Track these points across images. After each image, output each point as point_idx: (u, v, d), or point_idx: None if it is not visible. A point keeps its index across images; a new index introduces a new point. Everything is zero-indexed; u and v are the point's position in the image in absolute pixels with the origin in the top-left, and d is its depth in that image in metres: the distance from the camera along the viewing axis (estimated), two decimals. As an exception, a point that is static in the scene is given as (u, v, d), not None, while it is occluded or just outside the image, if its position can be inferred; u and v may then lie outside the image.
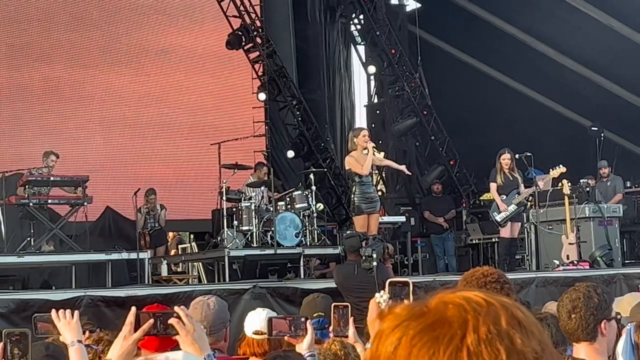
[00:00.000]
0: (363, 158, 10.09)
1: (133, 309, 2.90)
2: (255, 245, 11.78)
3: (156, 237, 13.80)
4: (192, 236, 16.67)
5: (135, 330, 2.85)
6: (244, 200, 12.25)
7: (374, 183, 11.28)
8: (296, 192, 12.32)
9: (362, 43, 19.43)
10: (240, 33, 16.95)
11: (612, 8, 16.49)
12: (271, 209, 12.00)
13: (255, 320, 4.42)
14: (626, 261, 13.08)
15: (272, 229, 11.64)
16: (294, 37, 18.42)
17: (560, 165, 11.92)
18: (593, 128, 15.21)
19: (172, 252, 15.72)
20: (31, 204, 11.02)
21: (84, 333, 3.76)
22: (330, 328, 3.83)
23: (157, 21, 16.77)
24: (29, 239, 11.16)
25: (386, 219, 14.12)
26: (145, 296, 8.02)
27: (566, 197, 11.86)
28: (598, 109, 16.67)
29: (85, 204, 11.25)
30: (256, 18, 17.18)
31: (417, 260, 15.18)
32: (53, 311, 3.28)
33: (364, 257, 8.15)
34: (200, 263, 13.74)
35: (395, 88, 17.93)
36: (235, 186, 12.78)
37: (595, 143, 14.51)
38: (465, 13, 18.46)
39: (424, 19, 18.62)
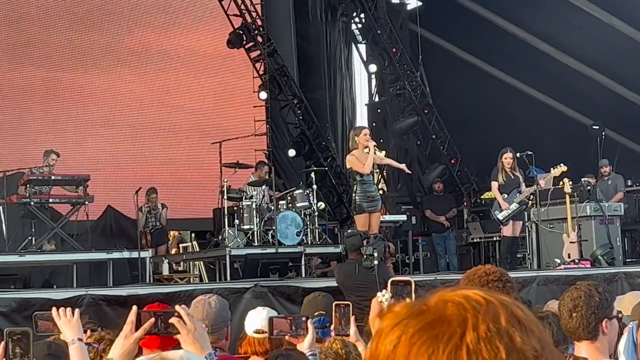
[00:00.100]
0: (364, 157, 10.09)
1: (134, 308, 2.90)
2: (256, 244, 11.78)
3: (157, 236, 13.80)
4: (193, 235, 16.67)
5: (137, 329, 2.85)
6: (245, 199, 12.25)
7: (375, 182, 11.28)
8: (297, 191, 12.32)
9: (363, 42, 19.43)
10: (241, 32, 16.95)
11: (614, 7, 16.47)
12: (272, 207, 12.00)
13: (256, 319, 4.42)
14: (627, 260, 13.08)
15: (273, 227, 11.64)
16: (295, 36, 18.42)
17: (561, 164, 11.92)
18: (594, 127, 15.20)
19: (173, 251, 15.73)
20: (32, 203, 11.02)
21: (85, 332, 3.76)
22: (332, 327, 3.83)
23: (157, 20, 16.77)
24: (30, 238, 11.17)
25: (387, 217, 14.13)
26: (147, 295, 8.03)
27: (567, 196, 11.86)
28: (599, 107, 16.66)
29: (87, 203, 11.25)
30: (257, 17, 17.18)
31: (418, 259, 15.19)
32: (54, 309, 3.28)
33: (365, 256, 8.15)
34: (201, 262, 13.75)
35: (396, 87, 17.93)
36: (237, 185, 12.78)
37: (597, 141, 14.50)
38: (466, 11, 18.45)
39: (425, 17, 18.60)
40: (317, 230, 12.35)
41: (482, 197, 16.45)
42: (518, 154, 11.85)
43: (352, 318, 3.71)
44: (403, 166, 11.23)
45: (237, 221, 12.04)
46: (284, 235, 11.66)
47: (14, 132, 15.09)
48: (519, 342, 1.11)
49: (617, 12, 16.52)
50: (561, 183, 11.98)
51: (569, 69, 17.58)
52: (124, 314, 3.01)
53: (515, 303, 1.16)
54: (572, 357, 3.47)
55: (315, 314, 5.44)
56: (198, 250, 14.76)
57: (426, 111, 17.63)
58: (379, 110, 19.74)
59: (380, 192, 13.94)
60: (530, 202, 12.10)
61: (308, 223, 12.08)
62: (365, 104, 20.57)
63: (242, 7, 16.93)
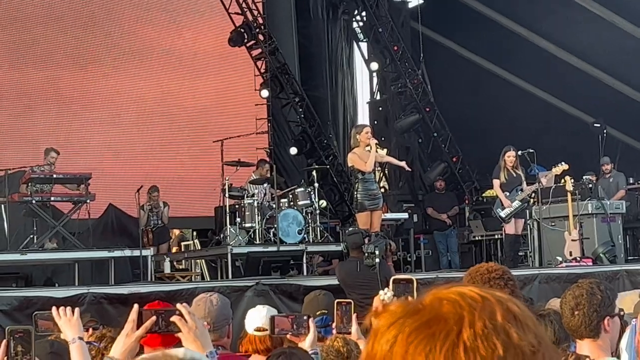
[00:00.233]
0: (366, 155, 10.09)
1: (136, 306, 2.90)
2: (257, 242, 11.78)
3: (159, 234, 13.80)
4: (194, 233, 16.67)
5: (138, 327, 2.85)
6: (247, 197, 12.25)
7: (377, 180, 11.28)
8: (299, 189, 12.32)
9: (364, 40, 19.42)
10: (242, 30, 16.94)
11: (615, 5, 16.46)
12: (274, 206, 12.00)
13: (256, 318, 4.43)
14: (629, 257, 13.07)
15: (275, 226, 11.64)
16: (296, 34, 18.41)
17: (563, 163, 11.92)
18: (596, 124, 15.20)
19: (175, 250, 15.74)
20: (34, 202, 11.03)
21: (87, 330, 3.77)
22: (333, 325, 3.83)
23: (159, 19, 16.78)
24: (32, 236, 11.18)
25: (389, 215, 14.14)
26: (148, 293, 8.04)
27: (569, 194, 11.86)
28: (601, 105, 16.64)
29: (88, 201, 11.26)
30: (258, 15, 17.18)
31: (420, 257, 15.18)
32: (54, 309, 3.28)
33: (366, 254, 8.15)
34: (203, 260, 13.76)
35: (397, 85, 17.92)
36: (238, 183, 12.78)
37: (598, 139, 14.49)
38: (467, 10, 18.43)
39: (426, 15, 18.59)
40: (318, 229, 12.36)
41: (483, 195, 16.45)
42: (519, 152, 11.85)
43: (354, 316, 3.71)
44: (403, 163, 11.24)
45: (238, 219, 12.04)
46: (285, 234, 11.66)
47: (15, 131, 15.09)
48: (515, 338, 1.11)
49: (619, 11, 16.51)
50: (563, 181, 11.98)
51: (570, 67, 17.57)
52: (125, 312, 3.01)
53: (510, 299, 1.16)
54: (574, 355, 3.47)
55: (318, 313, 5.45)
56: (199, 248, 14.77)
57: (427, 109, 17.62)
58: (380, 108, 19.73)
59: (382, 190, 13.94)
60: (532, 200, 12.09)
61: (309, 221, 12.08)
62: (367, 102, 20.57)
63: (244, 5, 16.93)
